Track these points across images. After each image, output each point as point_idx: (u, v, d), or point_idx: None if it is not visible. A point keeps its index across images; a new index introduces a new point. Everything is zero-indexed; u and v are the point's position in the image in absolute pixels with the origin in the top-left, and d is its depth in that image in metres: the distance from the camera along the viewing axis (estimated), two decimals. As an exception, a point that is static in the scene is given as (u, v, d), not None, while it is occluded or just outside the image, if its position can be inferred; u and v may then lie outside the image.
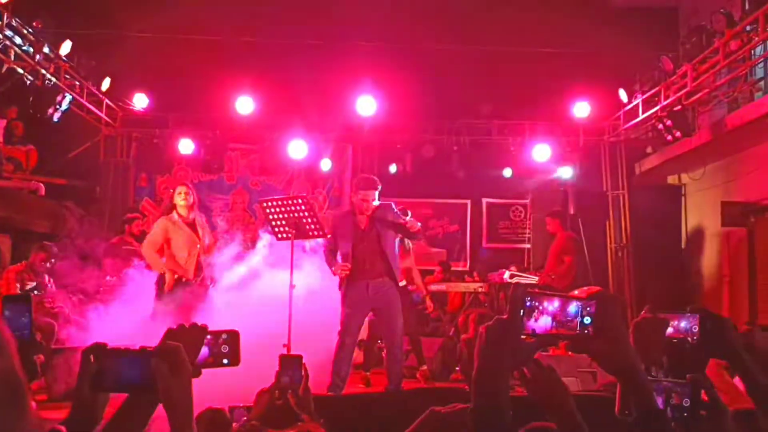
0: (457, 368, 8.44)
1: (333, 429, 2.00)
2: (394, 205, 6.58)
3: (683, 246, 11.77)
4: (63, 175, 10.75)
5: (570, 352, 7.87)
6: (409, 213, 6.76)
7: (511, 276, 8.68)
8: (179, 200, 7.17)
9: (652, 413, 1.55)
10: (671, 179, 12.03)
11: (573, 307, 1.57)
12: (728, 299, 10.46)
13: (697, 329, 1.96)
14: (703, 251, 11.28)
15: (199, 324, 1.62)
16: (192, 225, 7.22)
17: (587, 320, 1.57)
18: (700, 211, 11.32)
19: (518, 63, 9.90)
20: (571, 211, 10.52)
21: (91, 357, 1.52)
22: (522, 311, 1.55)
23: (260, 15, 10.18)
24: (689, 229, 11.71)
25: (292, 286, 6.53)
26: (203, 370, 1.61)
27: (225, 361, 1.64)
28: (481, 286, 9.22)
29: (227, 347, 1.65)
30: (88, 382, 1.50)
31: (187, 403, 1.45)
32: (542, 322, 1.57)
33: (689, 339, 1.99)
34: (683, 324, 2.05)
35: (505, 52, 9.96)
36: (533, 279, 8.54)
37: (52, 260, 7.74)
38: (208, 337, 1.63)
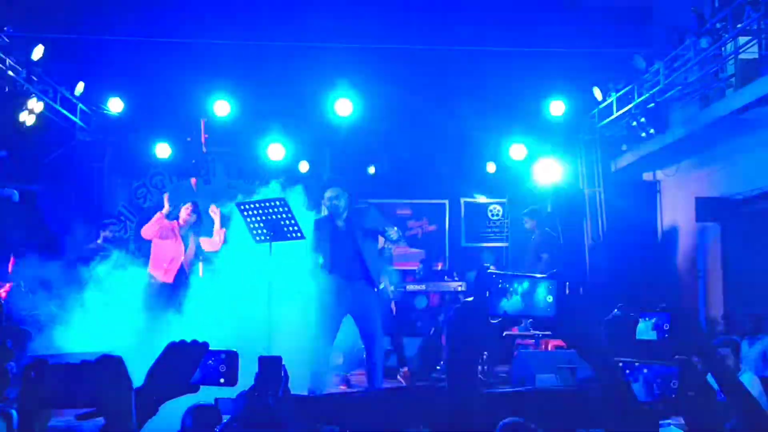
0: (438, 367, 8.48)
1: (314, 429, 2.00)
2: (375, 210, 6.62)
3: (659, 242, 11.91)
4: (37, 181, 10.62)
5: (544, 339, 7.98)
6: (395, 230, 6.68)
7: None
8: (183, 214, 7.65)
9: (615, 386, 1.58)
10: (646, 176, 12.16)
11: (541, 288, 1.60)
12: (703, 293, 10.60)
13: (668, 327, 1.99)
14: (678, 247, 11.42)
15: (200, 342, 1.63)
16: (185, 237, 7.56)
17: (550, 299, 1.60)
18: (675, 207, 11.46)
19: (493, 62, 9.95)
20: (549, 210, 10.60)
21: (32, 373, 1.51)
22: (488, 292, 1.58)
23: (235, 17, 10.14)
24: (664, 225, 11.85)
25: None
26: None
27: (221, 380, 1.65)
28: (460, 285, 9.27)
29: (225, 367, 1.65)
30: (28, 397, 1.49)
31: (126, 416, 1.45)
32: (513, 303, 1.60)
33: (659, 336, 2.01)
34: (654, 321, 2.08)
35: (480, 51, 10.01)
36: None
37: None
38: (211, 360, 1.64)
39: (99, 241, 9.19)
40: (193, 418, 3.20)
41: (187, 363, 1.57)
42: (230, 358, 1.66)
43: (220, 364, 1.64)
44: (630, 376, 1.71)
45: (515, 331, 8.05)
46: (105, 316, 6.94)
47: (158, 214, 7.81)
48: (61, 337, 6.83)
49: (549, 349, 7.67)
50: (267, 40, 9.83)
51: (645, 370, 1.72)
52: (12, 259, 7.62)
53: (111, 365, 1.46)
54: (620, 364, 1.70)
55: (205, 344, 1.64)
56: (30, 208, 10.02)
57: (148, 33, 9.76)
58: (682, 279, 11.30)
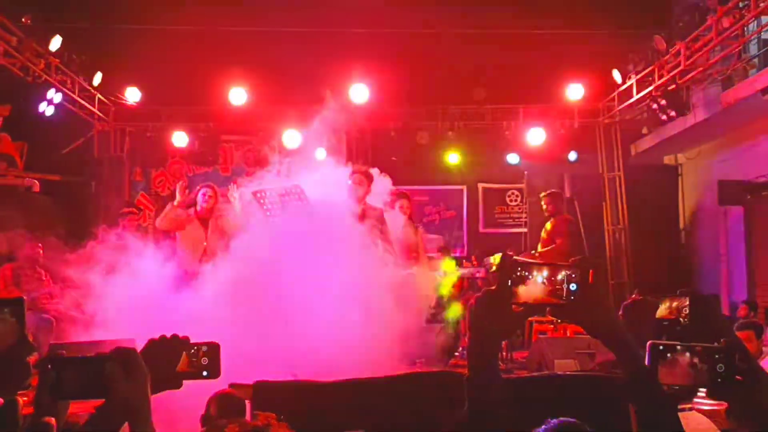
0: (456, 353, 8.45)
1: (323, 414, 2.00)
2: (383, 214, 6.60)
3: (681, 226, 11.78)
4: (57, 171, 10.72)
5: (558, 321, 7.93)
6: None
7: (508, 259, 8.66)
8: (200, 199, 7.53)
9: (641, 372, 1.56)
10: (667, 159, 12.02)
11: (560, 275, 1.59)
12: (726, 277, 10.47)
13: (687, 311, 1.94)
14: (700, 230, 11.29)
15: (180, 336, 1.63)
16: (205, 223, 7.50)
17: (573, 287, 1.58)
18: (697, 191, 11.32)
19: (511, 46, 9.84)
20: (567, 194, 10.50)
21: (49, 365, 1.53)
22: (510, 281, 1.57)
23: (251, 4, 10.11)
24: (686, 208, 11.72)
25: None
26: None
27: (204, 372, 1.63)
28: (478, 271, 9.23)
29: (207, 359, 1.63)
30: (46, 390, 1.51)
31: (144, 406, 1.46)
32: (534, 290, 1.58)
33: (680, 321, 1.97)
34: (674, 306, 2.03)
35: (497, 35, 9.90)
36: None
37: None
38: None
39: (119, 230, 9.25)
40: (218, 405, 3.20)
41: (168, 358, 1.57)
42: (212, 350, 1.64)
43: (203, 357, 1.62)
44: (668, 359, 1.68)
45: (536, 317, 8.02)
46: (127, 305, 7.00)
47: (169, 205, 7.79)
48: (82, 327, 6.91)
49: (568, 334, 7.62)
50: (281, 26, 9.81)
51: (687, 354, 1.69)
52: (38, 246, 7.70)
53: (125, 356, 1.48)
54: (660, 348, 1.67)
55: (186, 338, 1.63)
56: (51, 197, 10.11)
57: (164, 22, 9.77)
58: (704, 263, 11.18)
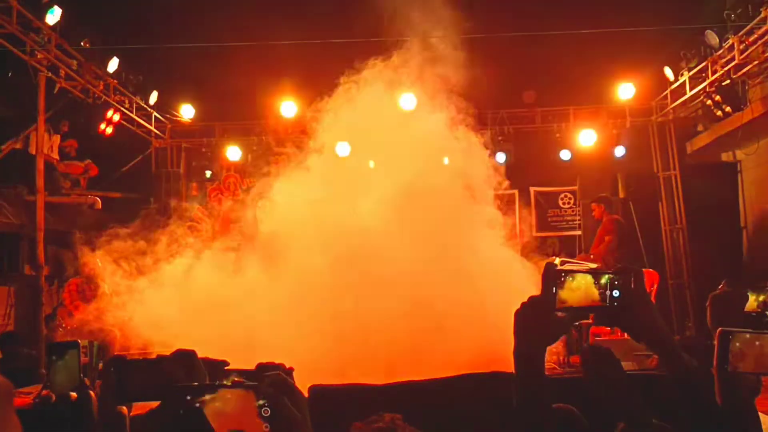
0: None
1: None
2: None
3: (741, 224, 11.44)
4: (117, 188, 11.09)
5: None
6: None
7: (562, 263, 8.60)
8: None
9: (685, 375, 1.56)
10: (725, 156, 11.70)
11: (603, 281, 1.61)
12: (791, 276, 10.13)
13: None
14: (763, 228, 10.95)
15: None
16: None
17: (616, 293, 1.60)
18: (757, 187, 10.98)
19: (558, 47, 9.74)
20: (621, 195, 10.34)
21: (112, 369, 1.60)
22: (554, 287, 1.60)
23: (299, 17, 10.27)
24: (747, 206, 11.38)
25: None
26: None
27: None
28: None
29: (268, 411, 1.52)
30: (110, 392, 1.57)
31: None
32: (577, 296, 1.61)
33: (767, 313, 1.95)
34: (762, 299, 2.02)
35: (544, 36, 9.82)
36: (583, 264, 8.46)
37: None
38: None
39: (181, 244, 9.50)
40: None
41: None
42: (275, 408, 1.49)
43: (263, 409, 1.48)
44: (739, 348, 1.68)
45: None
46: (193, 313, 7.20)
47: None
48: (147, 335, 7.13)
49: (625, 336, 7.49)
50: (331, 36, 9.92)
51: (757, 342, 1.68)
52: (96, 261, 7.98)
53: (185, 359, 1.53)
54: (731, 336, 1.67)
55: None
56: (112, 214, 10.45)
57: (215, 39, 10.01)
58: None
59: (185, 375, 1.52)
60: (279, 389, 1.44)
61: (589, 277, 1.62)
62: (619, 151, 11.04)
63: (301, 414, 1.45)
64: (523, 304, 1.64)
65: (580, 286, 1.61)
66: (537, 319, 1.61)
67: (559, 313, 1.62)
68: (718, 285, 10.29)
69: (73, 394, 1.26)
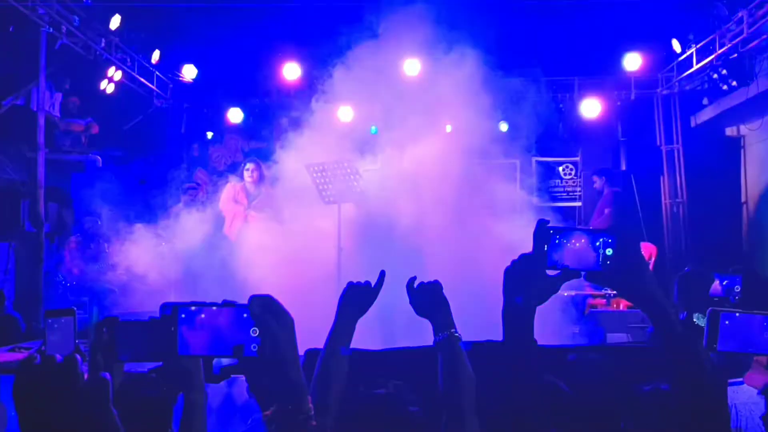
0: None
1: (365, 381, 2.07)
2: None
3: (743, 199, 11.43)
4: (118, 147, 11.05)
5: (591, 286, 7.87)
6: None
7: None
8: (246, 176, 7.85)
9: (680, 338, 1.56)
10: (729, 131, 11.63)
11: (597, 241, 1.60)
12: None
13: (740, 289, 1.92)
14: (762, 203, 10.94)
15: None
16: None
17: (609, 252, 1.59)
18: (760, 163, 10.94)
19: (563, 15, 9.63)
20: (623, 167, 10.32)
21: (104, 329, 1.60)
22: (545, 246, 1.58)
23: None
24: (749, 181, 11.35)
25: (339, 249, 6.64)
26: None
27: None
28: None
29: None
30: (99, 352, 1.59)
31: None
32: (570, 256, 1.59)
33: (730, 299, 1.95)
34: (726, 283, 2.02)
35: (551, 4, 9.71)
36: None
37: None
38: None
39: (180, 205, 9.53)
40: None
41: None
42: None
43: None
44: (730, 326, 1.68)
45: (589, 290, 7.94)
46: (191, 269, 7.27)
47: (229, 186, 8.05)
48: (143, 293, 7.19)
49: (620, 308, 7.55)
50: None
51: (747, 322, 1.68)
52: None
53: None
54: (720, 315, 1.66)
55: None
56: (113, 173, 10.44)
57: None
58: (766, 237, 10.84)
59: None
60: (266, 309, 1.46)
61: (582, 236, 1.60)
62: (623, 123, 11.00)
63: (287, 336, 1.46)
64: (513, 261, 1.61)
65: (573, 245, 1.59)
66: (527, 279, 1.59)
67: (551, 272, 1.60)
68: (716, 259, 10.31)
69: (59, 356, 1.27)
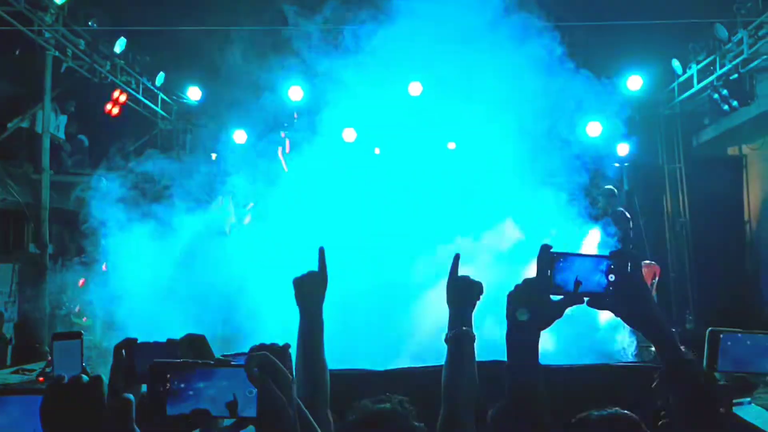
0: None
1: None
2: None
3: (745, 218, 11.43)
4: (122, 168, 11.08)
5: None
6: None
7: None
8: None
9: (679, 362, 1.56)
10: (731, 150, 11.66)
11: (601, 266, 1.60)
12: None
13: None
14: (765, 222, 10.93)
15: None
16: None
17: (612, 277, 1.59)
18: (762, 182, 10.96)
19: (568, 36, 9.68)
20: (626, 187, 10.33)
21: (123, 351, 1.61)
22: (549, 270, 1.59)
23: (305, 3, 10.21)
24: (751, 200, 11.35)
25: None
26: None
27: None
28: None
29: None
30: (121, 375, 1.59)
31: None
32: (572, 280, 1.60)
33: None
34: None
35: (554, 26, 9.75)
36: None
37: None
38: None
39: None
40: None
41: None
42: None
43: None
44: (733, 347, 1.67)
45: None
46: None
47: None
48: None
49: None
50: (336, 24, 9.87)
51: (748, 342, 1.68)
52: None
53: (195, 343, 1.54)
54: (721, 336, 1.66)
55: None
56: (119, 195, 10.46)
57: (223, 22, 9.98)
58: (771, 257, 10.83)
59: (195, 358, 1.52)
60: (264, 370, 1.41)
61: (584, 261, 1.61)
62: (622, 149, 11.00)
63: (285, 396, 1.41)
64: (516, 286, 1.61)
65: (576, 270, 1.60)
66: (531, 302, 1.59)
67: (554, 297, 1.60)
68: (719, 278, 10.27)
69: (85, 377, 1.28)
